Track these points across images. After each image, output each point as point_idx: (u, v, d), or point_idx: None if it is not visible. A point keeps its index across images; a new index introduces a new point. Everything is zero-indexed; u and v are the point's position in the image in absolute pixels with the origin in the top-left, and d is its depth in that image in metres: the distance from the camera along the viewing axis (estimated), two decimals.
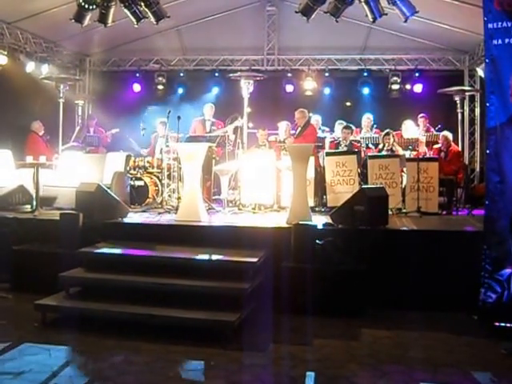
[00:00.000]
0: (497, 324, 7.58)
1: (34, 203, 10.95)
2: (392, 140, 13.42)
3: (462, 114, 14.85)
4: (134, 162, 13.58)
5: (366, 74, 17.49)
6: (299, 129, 13.21)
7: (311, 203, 11.32)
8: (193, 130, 14.01)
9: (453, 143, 13.71)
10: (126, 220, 10.40)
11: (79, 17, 11.85)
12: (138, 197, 12.97)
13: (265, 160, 12.21)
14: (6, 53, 14.22)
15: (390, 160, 12.36)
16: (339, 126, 14.74)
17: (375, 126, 15.05)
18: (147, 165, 13.73)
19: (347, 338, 7.53)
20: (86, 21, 11.94)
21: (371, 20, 11.78)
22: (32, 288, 8.65)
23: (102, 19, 11.92)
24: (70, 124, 16.35)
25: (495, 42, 7.89)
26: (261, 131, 13.84)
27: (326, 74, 17.44)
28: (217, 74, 17.88)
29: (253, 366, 6.47)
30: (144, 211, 12.05)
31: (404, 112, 15.55)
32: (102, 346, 6.91)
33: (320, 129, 15.09)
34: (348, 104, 18.13)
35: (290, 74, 17.67)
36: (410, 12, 11.53)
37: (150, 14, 11.97)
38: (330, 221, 9.94)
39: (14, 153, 12.75)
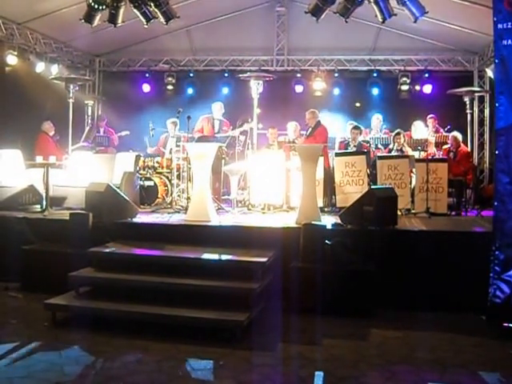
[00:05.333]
0: (505, 325, 7.58)
1: (44, 203, 10.98)
2: (402, 140, 13.42)
3: (472, 114, 14.83)
4: (144, 162, 13.61)
5: (375, 74, 17.50)
6: (310, 129, 13.23)
7: (320, 203, 11.28)
8: (200, 127, 13.98)
9: (462, 144, 13.68)
10: (135, 220, 10.42)
11: (89, 17, 11.90)
12: (148, 197, 12.98)
13: (274, 160, 12.21)
14: (16, 53, 14.31)
15: (399, 161, 12.33)
16: (350, 126, 14.73)
17: (384, 126, 15.06)
18: (157, 165, 13.75)
19: (356, 338, 7.54)
20: (96, 21, 11.99)
21: (381, 20, 11.79)
22: (42, 287, 8.69)
23: (112, 19, 11.96)
24: (80, 124, 16.34)
25: (505, 42, 7.88)
26: (271, 130, 13.86)
27: (336, 75, 17.45)
28: (226, 75, 17.93)
29: (262, 365, 6.48)
30: (153, 211, 12.08)
31: (413, 113, 15.57)
32: (112, 346, 6.93)
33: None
34: (357, 105, 18.12)
35: (299, 75, 17.70)
36: (420, 12, 11.54)
37: (159, 14, 12.00)
38: (338, 221, 9.94)
39: (24, 153, 12.84)
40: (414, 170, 12.57)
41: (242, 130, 13.71)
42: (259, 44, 17.34)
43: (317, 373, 6.38)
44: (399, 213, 10.72)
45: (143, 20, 12.09)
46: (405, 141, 13.46)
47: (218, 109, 14.19)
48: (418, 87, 17.37)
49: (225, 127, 14.04)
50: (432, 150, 13.86)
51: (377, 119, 15.09)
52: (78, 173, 12.15)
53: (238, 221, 10.73)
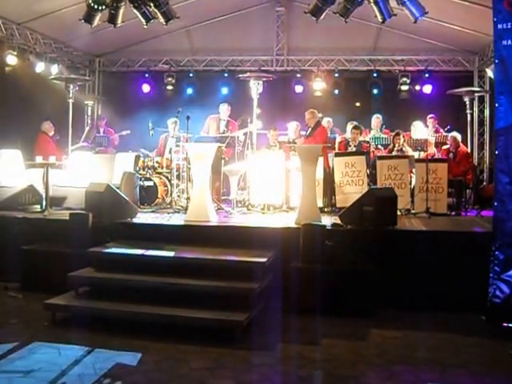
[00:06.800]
0: (505, 325, 7.60)
1: (44, 203, 10.97)
2: (402, 140, 13.41)
3: (472, 114, 14.82)
4: (144, 162, 13.61)
5: (375, 74, 17.50)
6: (309, 129, 13.22)
7: (320, 204, 11.28)
8: (206, 126, 13.97)
9: (461, 144, 13.68)
10: (135, 220, 10.42)
11: (88, 17, 11.90)
12: (148, 197, 12.98)
13: (274, 160, 12.20)
14: (15, 53, 14.33)
15: (399, 161, 12.33)
16: (350, 126, 14.73)
17: (384, 126, 15.04)
18: (156, 165, 13.75)
19: (355, 338, 7.54)
20: (96, 21, 11.99)
21: (380, 21, 11.80)
22: (42, 287, 8.71)
23: (112, 20, 11.97)
24: (80, 124, 16.38)
25: (504, 42, 7.88)
26: (272, 131, 13.83)
27: (336, 75, 17.44)
28: (226, 75, 17.93)
29: (261, 365, 6.48)
30: (153, 211, 12.09)
31: (413, 113, 15.55)
32: (111, 346, 6.93)
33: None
34: (357, 105, 18.12)
35: (299, 75, 17.70)
36: (420, 13, 11.54)
37: (159, 14, 12.01)
38: (338, 221, 9.94)
39: (24, 153, 12.84)
40: (413, 170, 12.57)
41: (245, 131, 13.71)
42: (259, 44, 17.33)
43: (316, 373, 6.38)
44: (399, 213, 10.72)
45: (143, 20, 12.10)
46: (405, 141, 13.46)
47: (224, 110, 14.15)
48: (418, 87, 17.38)
49: (230, 127, 14.01)
50: (432, 150, 13.86)
51: (377, 118, 15.07)
52: (77, 173, 12.14)
53: (237, 221, 10.74)
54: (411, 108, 16.62)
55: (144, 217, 11.00)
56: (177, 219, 10.81)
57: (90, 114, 18.42)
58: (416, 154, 13.21)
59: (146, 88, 18.35)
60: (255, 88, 13.45)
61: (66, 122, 13.30)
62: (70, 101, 13.46)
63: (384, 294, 8.49)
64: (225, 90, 17.95)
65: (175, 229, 10.02)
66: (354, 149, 13.52)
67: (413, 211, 11.88)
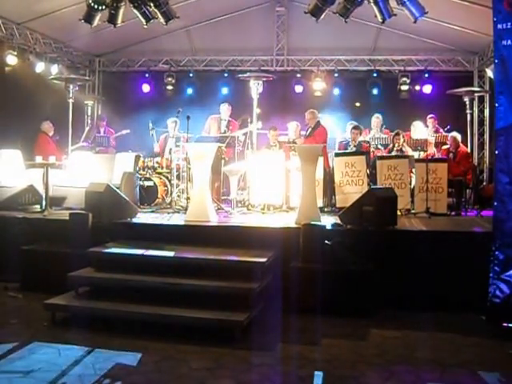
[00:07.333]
0: (505, 324, 7.59)
1: (44, 203, 10.97)
2: (402, 140, 13.41)
3: (472, 114, 14.83)
4: (144, 162, 13.63)
5: (375, 74, 17.50)
6: (309, 129, 13.23)
7: (320, 204, 11.27)
8: (207, 126, 13.95)
9: (461, 144, 13.68)
10: (135, 220, 10.42)
11: (88, 17, 11.90)
12: (148, 197, 13.01)
13: (274, 160, 12.21)
14: (15, 53, 14.34)
15: (399, 161, 12.32)
16: (350, 126, 14.72)
17: (384, 126, 15.03)
18: (156, 165, 13.77)
19: (355, 338, 7.54)
20: (96, 21, 11.99)
21: (380, 21, 11.80)
22: (42, 288, 8.70)
23: (112, 20, 11.97)
24: (80, 124, 16.37)
25: (504, 42, 7.88)
26: (272, 132, 13.83)
27: (336, 75, 17.44)
28: (226, 75, 17.93)
29: (261, 365, 6.48)
30: (153, 211, 12.10)
31: (413, 113, 15.55)
32: (111, 346, 6.92)
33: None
34: (357, 105, 18.10)
35: (299, 75, 17.69)
36: (420, 13, 11.54)
37: (159, 14, 12.01)
38: (338, 221, 9.93)
39: (24, 153, 12.84)
40: (413, 170, 12.56)
41: (245, 131, 13.70)
42: (259, 44, 17.34)
43: (316, 373, 6.37)
44: (399, 213, 10.72)
45: (143, 20, 12.09)
46: (404, 141, 13.45)
47: (225, 109, 14.13)
48: (417, 87, 17.38)
49: (231, 127, 13.98)
50: (431, 150, 13.86)
51: (377, 118, 15.03)
52: (77, 173, 12.14)
53: (237, 221, 10.73)
54: (411, 108, 16.63)
55: (144, 217, 11.01)
56: (177, 219, 10.83)
57: (89, 113, 18.41)
58: (416, 154, 13.22)
59: (145, 88, 18.35)
60: (255, 88, 13.46)
61: (65, 121, 13.31)
62: (70, 101, 13.45)
63: (384, 294, 8.50)
64: (225, 90, 17.95)
65: (175, 229, 10.01)
66: (354, 149, 13.52)
67: (413, 211, 11.88)
